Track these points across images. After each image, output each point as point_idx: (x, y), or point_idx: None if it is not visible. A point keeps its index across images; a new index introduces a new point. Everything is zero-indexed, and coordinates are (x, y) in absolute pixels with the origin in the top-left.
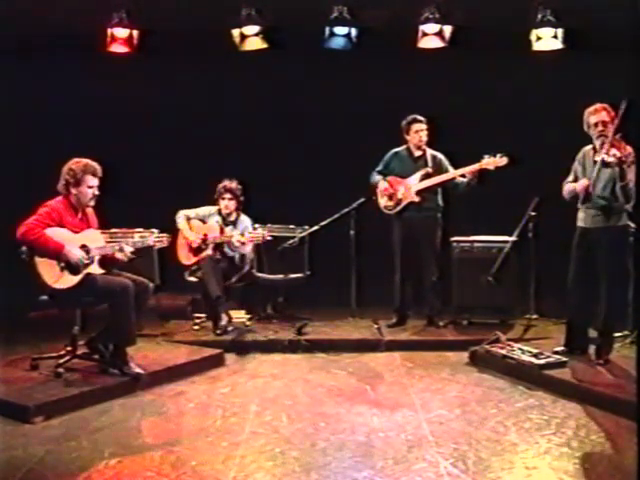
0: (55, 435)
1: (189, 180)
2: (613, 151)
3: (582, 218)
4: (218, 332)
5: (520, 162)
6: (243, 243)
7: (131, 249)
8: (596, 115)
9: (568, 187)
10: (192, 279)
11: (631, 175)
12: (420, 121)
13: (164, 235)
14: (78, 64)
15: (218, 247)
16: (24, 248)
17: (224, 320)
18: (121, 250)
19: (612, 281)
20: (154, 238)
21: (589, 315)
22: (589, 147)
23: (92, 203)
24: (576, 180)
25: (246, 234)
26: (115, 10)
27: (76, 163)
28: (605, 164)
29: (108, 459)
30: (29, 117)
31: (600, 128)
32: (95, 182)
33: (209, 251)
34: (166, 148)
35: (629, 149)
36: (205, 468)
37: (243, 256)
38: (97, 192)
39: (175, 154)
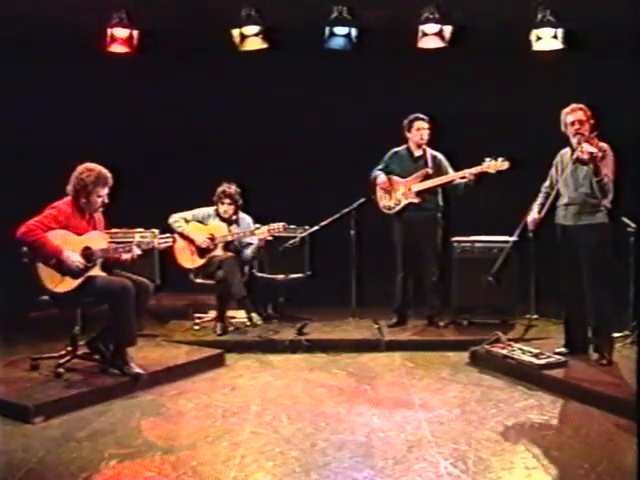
0: (55, 435)
1: (189, 180)
2: (586, 147)
3: (561, 216)
4: (219, 332)
5: (520, 162)
6: (262, 237)
7: (139, 252)
8: (573, 114)
9: (532, 209)
10: (200, 281)
11: (606, 170)
12: (422, 119)
13: (167, 235)
14: (78, 64)
15: (227, 246)
16: (25, 249)
17: (254, 318)
18: (129, 251)
19: (595, 280)
20: (159, 240)
21: (584, 315)
22: (565, 150)
23: (101, 210)
24: (551, 184)
25: (261, 227)
26: (115, 10)
27: (88, 171)
28: (580, 161)
29: (108, 459)
30: (29, 117)
31: (577, 127)
32: (105, 192)
33: (219, 251)
34: (166, 148)
35: (602, 145)
36: (205, 468)
37: (257, 250)
38: (107, 200)
39: (175, 154)
